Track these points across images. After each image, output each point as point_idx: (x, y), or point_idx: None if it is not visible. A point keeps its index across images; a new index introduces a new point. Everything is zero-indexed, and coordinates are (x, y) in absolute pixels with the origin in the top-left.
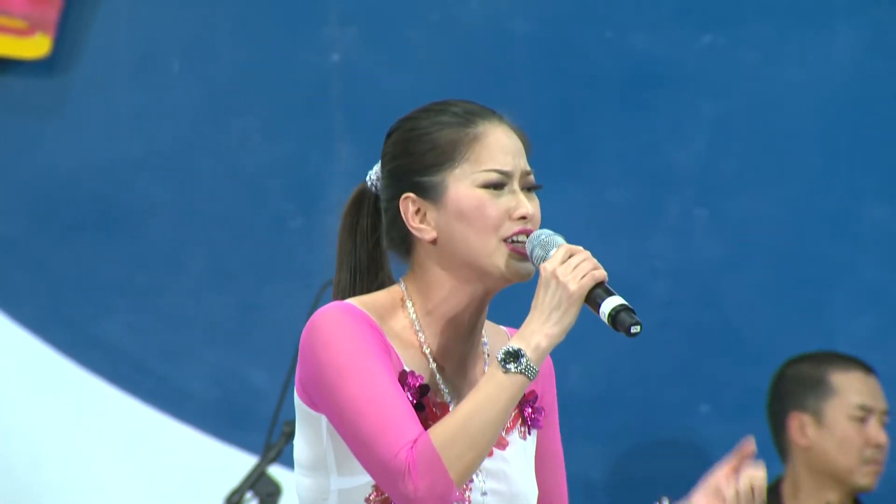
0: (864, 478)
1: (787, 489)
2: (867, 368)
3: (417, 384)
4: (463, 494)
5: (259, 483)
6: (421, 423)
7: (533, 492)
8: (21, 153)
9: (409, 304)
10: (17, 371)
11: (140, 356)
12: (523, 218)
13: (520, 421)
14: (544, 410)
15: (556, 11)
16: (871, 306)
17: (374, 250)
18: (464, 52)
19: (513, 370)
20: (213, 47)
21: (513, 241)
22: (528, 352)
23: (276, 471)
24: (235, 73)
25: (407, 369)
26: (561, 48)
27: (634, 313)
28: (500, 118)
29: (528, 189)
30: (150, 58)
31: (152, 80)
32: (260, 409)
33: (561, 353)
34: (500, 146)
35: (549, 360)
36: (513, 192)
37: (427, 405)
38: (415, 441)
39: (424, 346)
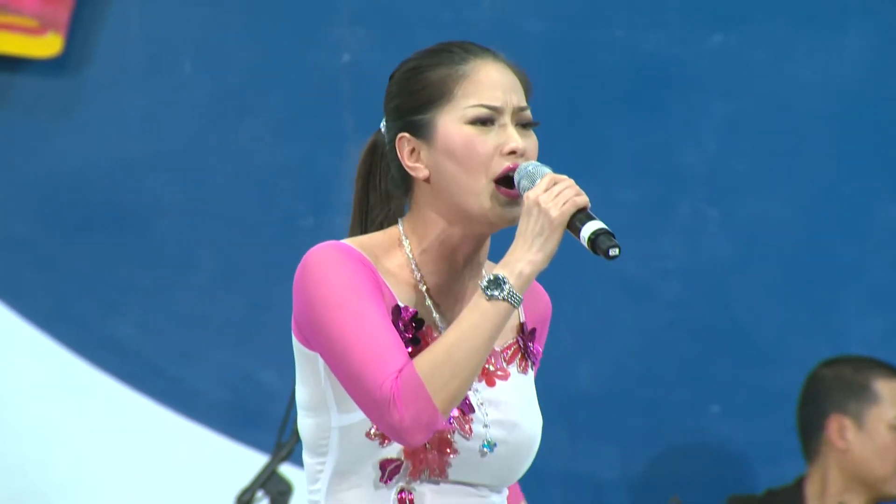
0: None
1: (812, 488)
2: None
3: (409, 317)
4: (466, 426)
5: (270, 482)
6: (414, 356)
7: (535, 423)
8: (32, 152)
9: (405, 242)
10: (29, 370)
11: (151, 356)
12: (513, 153)
13: (520, 354)
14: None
15: (567, 11)
16: (881, 306)
17: (385, 196)
18: None
19: (497, 297)
20: (223, 48)
21: (503, 181)
22: (512, 279)
23: (287, 469)
24: (246, 73)
25: (401, 304)
26: (571, 48)
27: (614, 237)
28: (496, 55)
29: (523, 126)
30: (161, 58)
31: (163, 80)
32: (270, 408)
33: (570, 353)
34: (489, 81)
35: (546, 306)
36: (503, 126)
37: (423, 339)
38: (400, 371)
39: (420, 284)
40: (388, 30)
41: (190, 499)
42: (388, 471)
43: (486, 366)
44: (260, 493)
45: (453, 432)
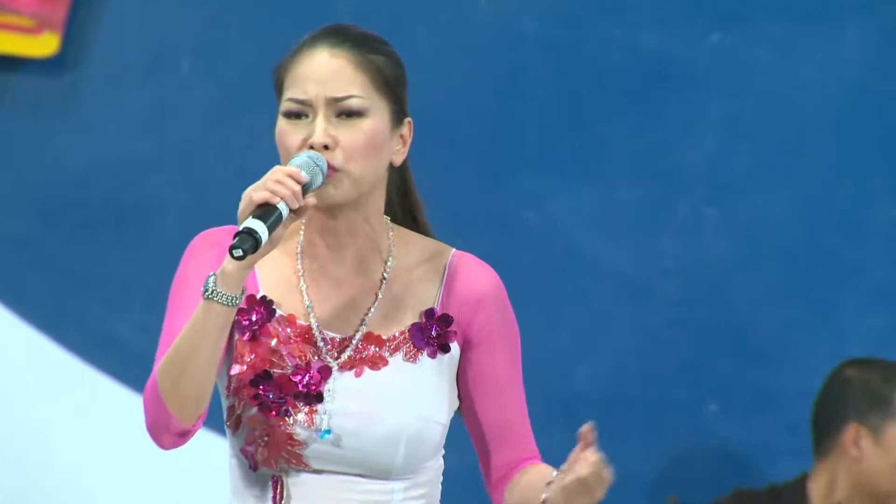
0: None
1: (816, 487)
2: None
3: (260, 306)
4: (309, 417)
5: None
6: (262, 347)
7: (408, 413)
8: (30, 152)
9: (302, 229)
10: (28, 370)
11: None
12: (312, 148)
13: (410, 342)
14: (468, 334)
15: (566, 10)
16: (882, 306)
17: None
18: (472, 52)
19: (205, 296)
20: (222, 46)
21: None
22: (213, 277)
23: None
24: (245, 71)
25: (260, 294)
26: (570, 47)
27: (249, 239)
28: (327, 41)
29: (347, 115)
30: (159, 56)
31: (162, 79)
32: None
33: (569, 353)
34: (304, 74)
35: (482, 288)
36: (314, 119)
37: (272, 329)
38: (151, 374)
39: (299, 268)
40: (387, 29)
41: (190, 500)
42: (249, 458)
43: (359, 354)
44: None
45: (292, 424)
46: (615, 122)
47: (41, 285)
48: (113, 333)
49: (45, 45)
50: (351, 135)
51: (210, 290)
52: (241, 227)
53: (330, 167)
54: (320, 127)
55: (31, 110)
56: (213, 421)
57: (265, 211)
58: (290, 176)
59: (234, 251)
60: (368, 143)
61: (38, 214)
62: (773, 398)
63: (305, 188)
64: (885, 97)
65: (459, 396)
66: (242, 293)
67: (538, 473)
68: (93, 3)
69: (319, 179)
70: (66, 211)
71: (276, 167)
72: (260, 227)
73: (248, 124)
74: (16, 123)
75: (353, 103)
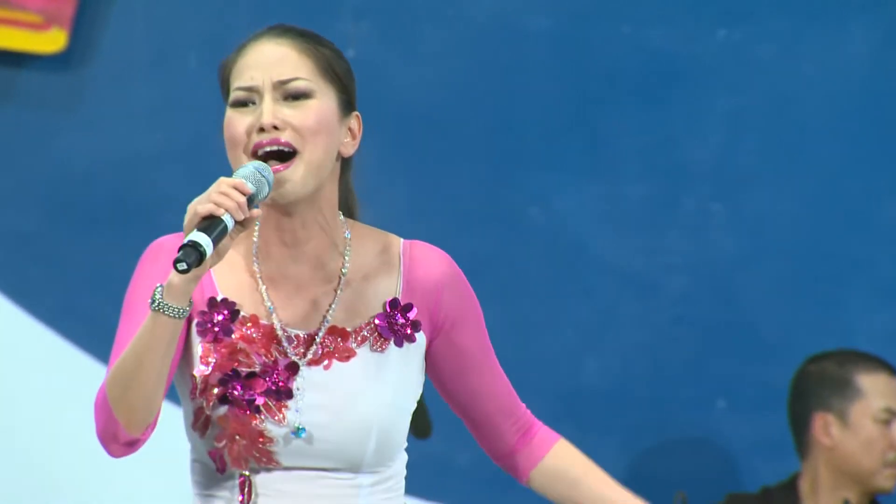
0: (886, 480)
1: (804, 486)
2: (892, 370)
3: (222, 308)
4: (279, 413)
5: None
6: (227, 347)
7: (377, 403)
8: (37, 148)
9: (256, 229)
10: (35, 366)
11: None
12: (262, 130)
13: (376, 334)
14: (435, 320)
15: (572, 7)
16: (888, 302)
17: None
18: (479, 48)
19: (151, 308)
20: (228, 42)
21: (255, 155)
22: (160, 288)
23: None
24: None
25: (220, 297)
26: (576, 44)
27: (195, 252)
28: (271, 33)
29: (294, 98)
30: (166, 52)
31: (169, 75)
32: None
33: (576, 348)
34: (247, 63)
35: (439, 273)
36: (262, 104)
37: (237, 330)
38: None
39: (256, 271)
40: (393, 25)
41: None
42: (216, 460)
43: (325, 347)
44: None
45: (262, 421)
46: (622, 119)
47: (47, 280)
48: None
49: (52, 41)
50: (299, 115)
51: (157, 302)
52: (185, 240)
53: (282, 150)
54: (268, 108)
55: (38, 106)
56: None
57: (210, 223)
58: (235, 187)
59: (178, 265)
60: (318, 121)
61: (45, 210)
62: (780, 394)
63: (251, 199)
64: (890, 93)
65: (439, 381)
66: (190, 304)
67: (586, 475)
68: (100, 0)
69: (266, 190)
70: (73, 206)
71: (221, 178)
72: (204, 240)
73: None
74: (23, 119)
75: (300, 85)
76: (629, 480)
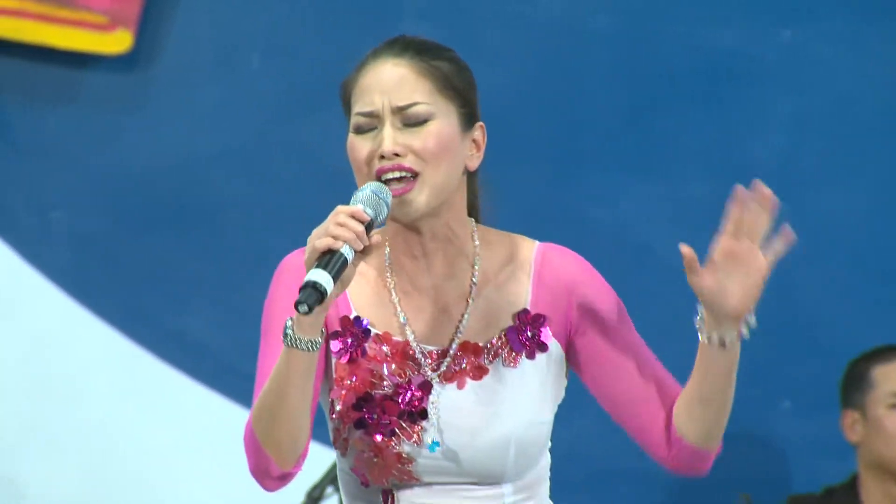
0: None
1: (861, 485)
2: None
3: (355, 328)
4: (414, 436)
5: None
6: (361, 369)
7: (518, 421)
8: (102, 149)
9: (386, 245)
10: (100, 366)
11: (221, 352)
12: (383, 157)
13: (508, 347)
14: (571, 325)
15: (633, 7)
16: None
17: None
18: (540, 49)
19: (284, 343)
20: (292, 43)
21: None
22: (290, 322)
23: None
24: (314, 68)
25: (353, 315)
26: (638, 44)
27: (315, 293)
28: (389, 52)
29: (413, 124)
30: (229, 53)
31: (232, 75)
32: None
33: None
34: (367, 86)
35: (569, 276)
36: (381, 129)
37: (370, 350)
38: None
39: (391, 285)
40: (454, 25)
41: (261, 495)
42: (359, 475)
43: (458, 364)
44: (330, 489)
45: (399, 443)
46: (684, 119)
47: (110, 280)
48: (182, 329)
49: (118, 41)
50: (419, 139)
51: (289, 337)
52: (305, 280)
53: (405, 175)
54: (388, 135)
55: (102, 107)
56: None
57: (330, 258)
58: (353, 215)
59: (299, 307)
60: (439, 144)
61: (109, 210)
62: None
63: (370, 224)
64: None
65: (589, 382)
66: (322, 335)
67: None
68: (165, 1)
69: (385, 211)
70: (136, 207)
71: (338, 207)
72: (324, 278)
73: (317, 121)
74: (88, 120)
75: (419, 110)
76: (692, 482)
